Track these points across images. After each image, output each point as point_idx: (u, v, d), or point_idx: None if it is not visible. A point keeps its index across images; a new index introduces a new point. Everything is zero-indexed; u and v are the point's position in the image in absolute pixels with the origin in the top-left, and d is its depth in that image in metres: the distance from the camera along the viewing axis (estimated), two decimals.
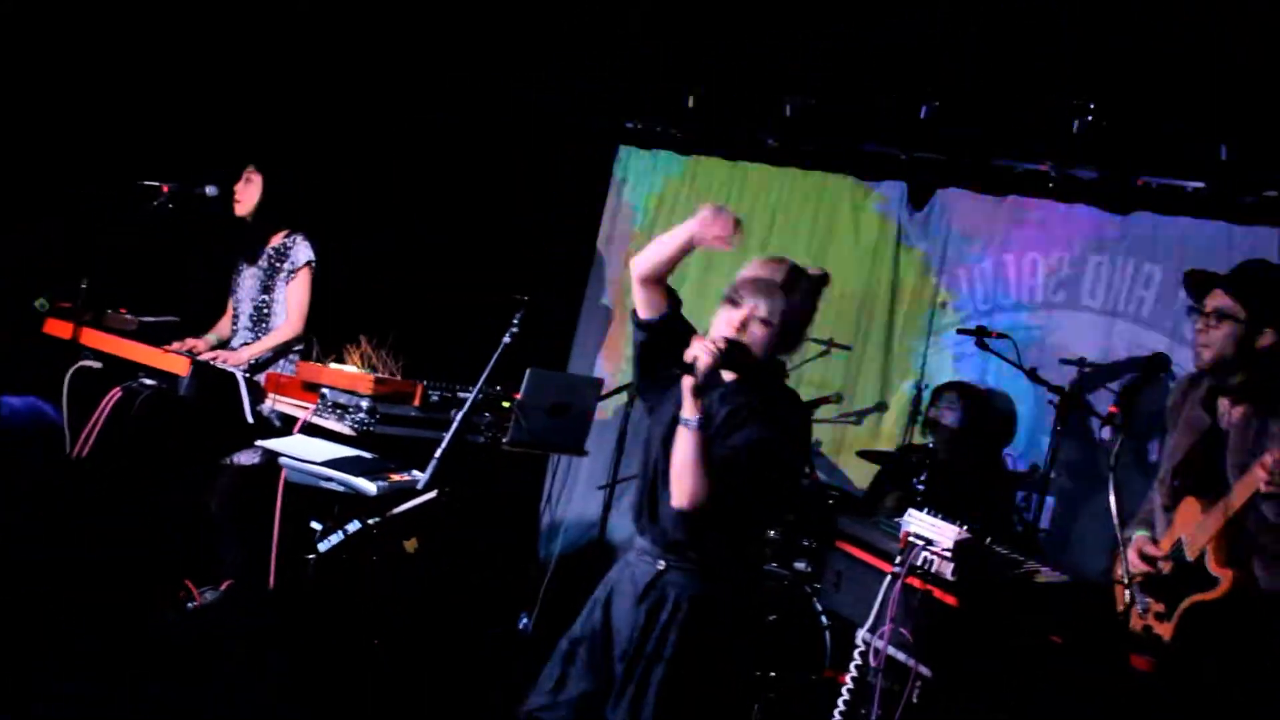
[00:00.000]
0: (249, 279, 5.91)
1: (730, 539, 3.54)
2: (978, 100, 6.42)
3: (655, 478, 3.57)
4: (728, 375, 3.55)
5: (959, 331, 6.43)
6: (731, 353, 3.41)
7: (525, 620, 5.99)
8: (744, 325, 3.48)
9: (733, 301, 3.52)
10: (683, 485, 3.36)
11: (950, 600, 3.81)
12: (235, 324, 5.94)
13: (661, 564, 3.52)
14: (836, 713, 4.03)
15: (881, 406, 6.98)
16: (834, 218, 7.30)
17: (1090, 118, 6.11)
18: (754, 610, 3.68)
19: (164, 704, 4.51)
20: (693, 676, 3.47)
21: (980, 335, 6.11)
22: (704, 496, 3.35)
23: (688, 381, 3.35)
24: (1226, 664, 3.92)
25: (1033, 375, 5.99)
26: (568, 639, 3.68)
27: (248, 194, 5.84)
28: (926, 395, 6.65)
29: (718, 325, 3.51)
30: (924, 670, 3.78)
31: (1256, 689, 3.69)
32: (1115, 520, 4.04)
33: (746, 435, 3.42)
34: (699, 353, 3.35)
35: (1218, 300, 4.12)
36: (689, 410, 3.35)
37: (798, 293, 3.53)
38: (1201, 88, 5.72)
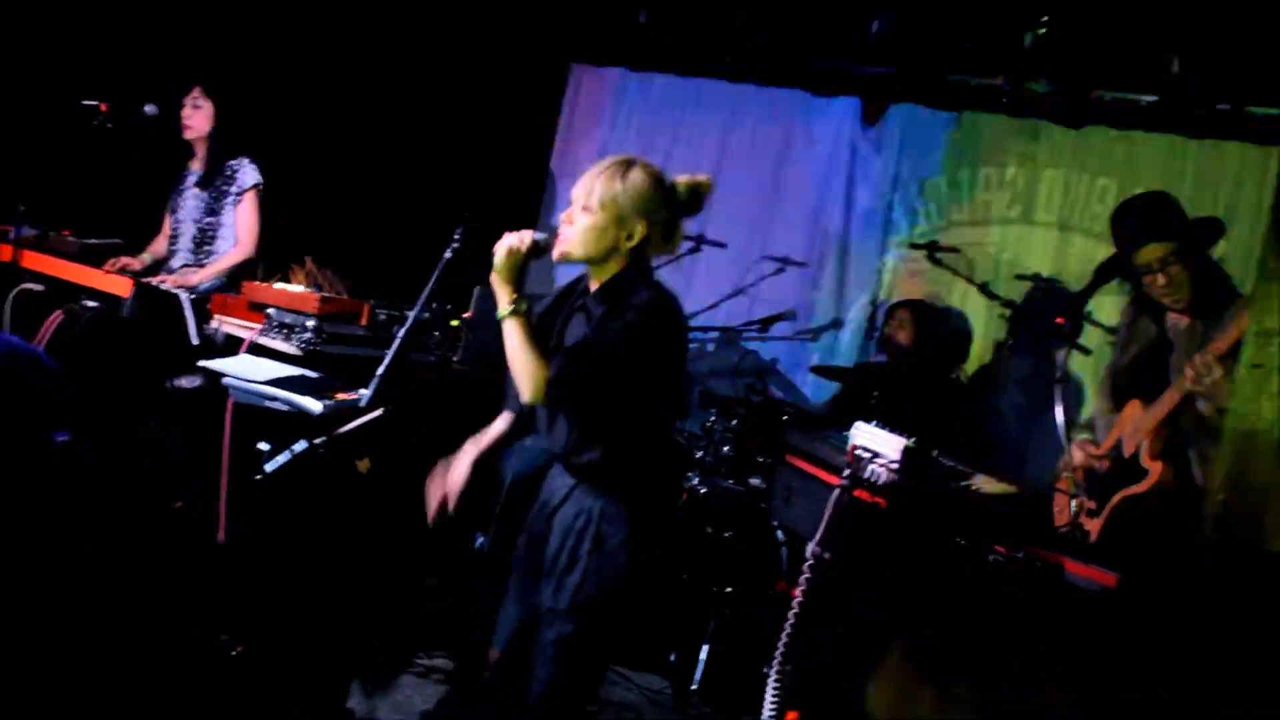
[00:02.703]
0: (192, 199, 5.84)
1: (620, 450, 3.52)
2: (931, 15, 6.38)
3: None
4: (592, 278, 3.58)
5: (911, 246, 6.44)
6: (536, 243, 3.45)
7: (481, 540, 5.98)
8: (570, 217, 3.50)
9: (570, 199, 3.54)
10: (520, 378, 3.38)
11: (879, 501, 3.82)
12: (174, 244, 5.89)
13: (572, 479, 3.53)
14: (787, 626, 4.04)
15: (838, 323, 6.97)
16: (788, 134, 7.26)
17: (1043, 31, 6.07)
18: (661, 522, 3.68)
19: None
20: (599, 587, 3.48)
21: (932, 250, 6.09)
22: (540, 385, 3.34)
23: (493, 274, 3.40)
24: (1147, 554, 3.99)
25: (984, 289, 5.98)
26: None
27: (197, 119, 5.76)
28: (882, 311, 6.67)
29: (560, 222, 3.56)
30: (818, 551, 3.77)
31: (1172, 580, 3.73)
32: (1061, 432, 4.08)
33: (605, 332, 3.41)
34: (498, 245, 3.42)
35: (1155, 252, 4.19)
36: (501, 302, 3.39)
37: (622, 180, 3.47)
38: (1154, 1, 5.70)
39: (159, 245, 5.96)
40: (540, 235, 3.49)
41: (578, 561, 3.48)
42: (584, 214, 3.47)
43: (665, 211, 3.54)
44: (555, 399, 3.40)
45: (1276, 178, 5.75)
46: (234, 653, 4.44)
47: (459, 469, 3.80)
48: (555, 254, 3.50)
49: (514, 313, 3.38)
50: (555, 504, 3.58)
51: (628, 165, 3.51)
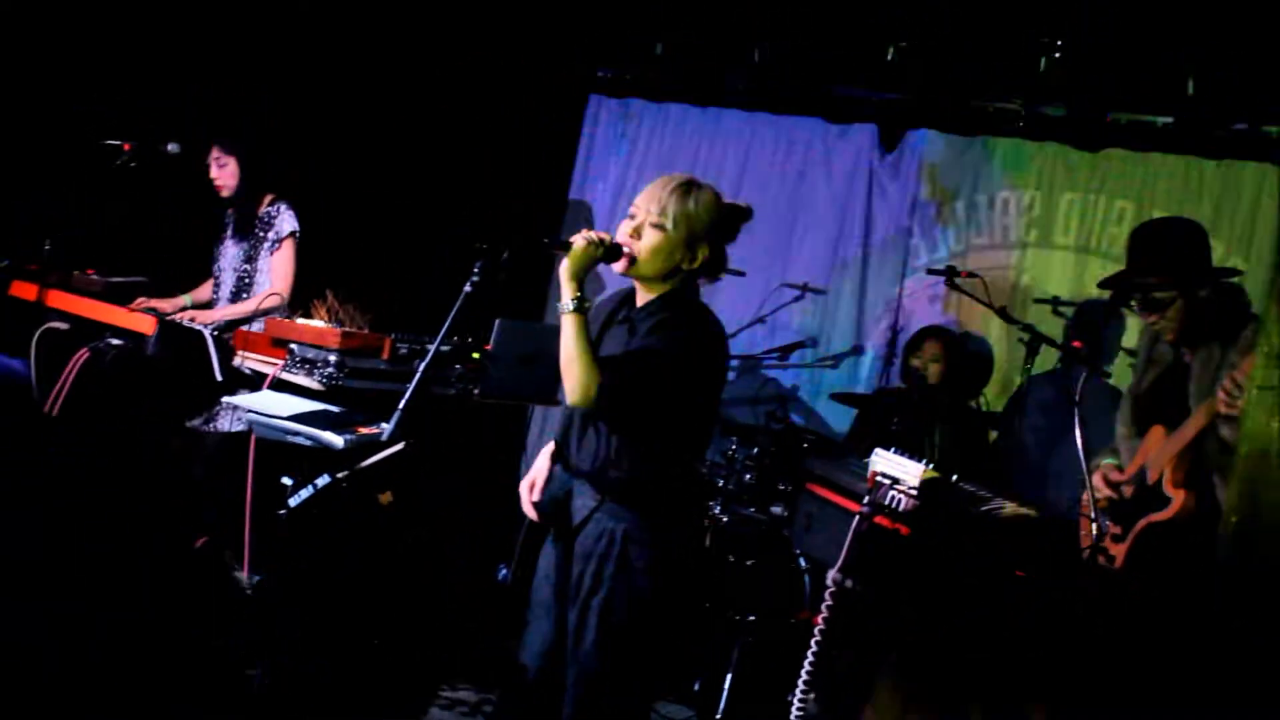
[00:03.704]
0: (231, 248, 5.91)
1: (650, 470, 3.53)
2: (946, 40, 6.40)
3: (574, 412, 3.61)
4: (641, 292, 3.61)
5: (929, 272, 6.43)
6: (610, 247, 3.47)
7: (504, 571, 5.99)
8: (638, 232, 3.51)
9: (630, 214, 3.56)
10: (571, 376, 3.38)
11: (902, 529, 3.83)
12: (217, 292, 5.96)
13: (597, 498, 3.54)
14: (809, 654, 4.04)
15: (858, 350, 6.98)
16: (806, 161, 7.27)
17: (1058, 55, 6.09)
18: (687, 545, 3.70)
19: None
20: (628, 612, 3.50)
21: (950, 275, 6.09)
22: (593, 389, 3.35)
23: (563, 265, 3.42)
24: (1169, 581, 3.98)
25: (1003, 314, 5.98)
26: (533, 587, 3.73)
27: (224, 176, 5.82)
28: (902, 338, 6.68)
29: (617, 236, 3.56)
30: (838, 578, 3.79)
31: (1195, 606, 3.73)
32: (1081, 454, 4.07)
33: (651, 342, 3.44)
34: (576, 238, 3.43)
35: (1151, 284, 4.18)
36: (565, 295, 3.40)
37: (691, 202, 3.51)
38: (1168, 23, 5.70)
39: (203, 291, 6.03)
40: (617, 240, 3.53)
41: (602, 584, 3.49)
42: (654, 231, 3.50)
43: (724, 237, 3.60)
44: (603, 405, 3.40)
45: None
46: (259, 684, 4.46)
47: (539, 461, 3.82)
48: (620, 266, 3.53)
49: (578, 310, 3.39)
50: (576, 526, 3.58)
51: (697, 186, 3.55)
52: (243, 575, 5.11)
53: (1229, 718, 2.71)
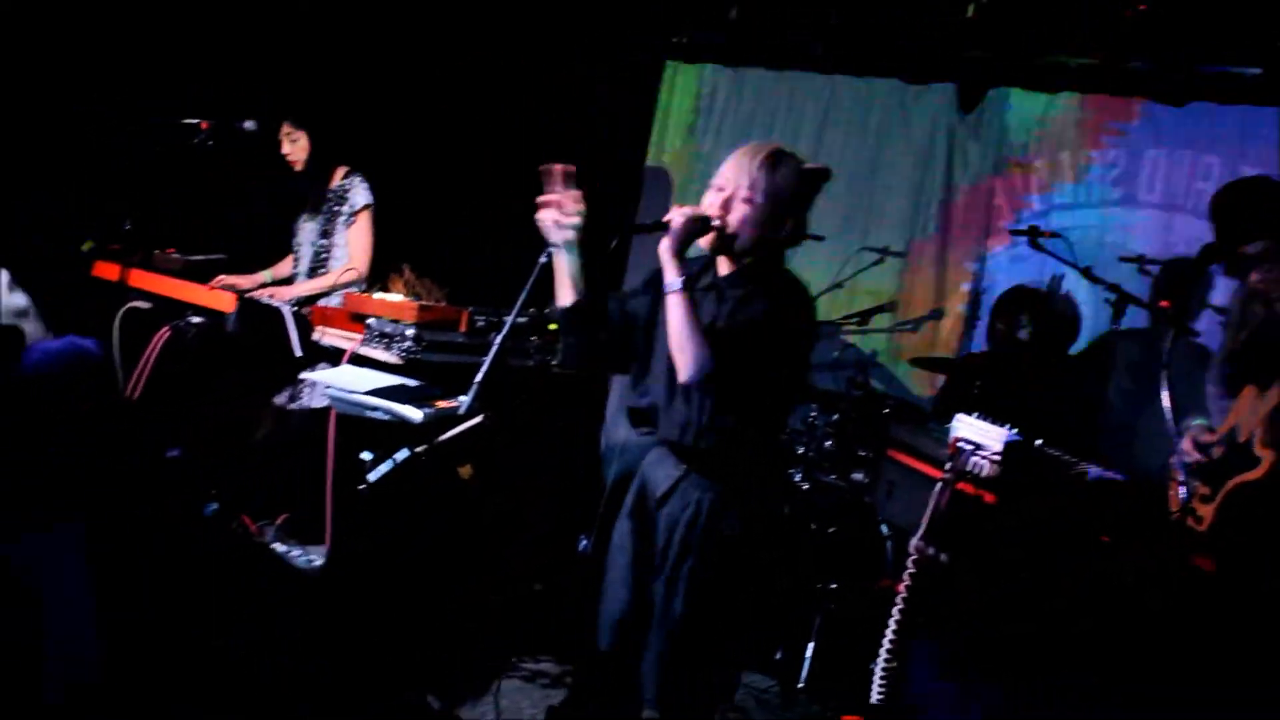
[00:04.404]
0: (308, 224, 5.97)
1: (741, 436, 3.53)
2: None
3: (670, 380, 3.57)
4: (723, 263, 3.62)
5: (1012, 232, 6.33)
6: (706, 221, 3.48)
7: (585, 542, 5.99)
8: (727, 206, 3.51)
9: (717, 188, 3.55)
10: (685, 354, 3.37)
11: (988, 497, 3.78)
12: (296, 268, 6.03)
13: (682, 467, 3.53)
14: (891, 621, 4.00)
15: (938, 313, 6.88)
16: (884, 123, 7.16)
17: (1143, 7, 5.95)
18: (775, 512, 3.70)
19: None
20: (718, 579, 3.50)
21: (1034, 235, 5.97)
22: (708, 364, 3.35)
23: (664, 244, 3.42)
24: (1260, 543, 3.91)
25: (1088, 274, 5.86)
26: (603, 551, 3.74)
27: (295, 151, 5.88)
28: (985, 300, 6.59)
29: (704, 208, 3.55)
30: (921, 545, 3.75)
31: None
32: (1169, 417, 4.00)
33: (747, 311, 3.46)
34: (674, 215, 3.44)
35: (1257, 246, 4.11)
36: (670, 275, 3.41)
37: (779, 173, 3.51)
38: None
39: (283, 267, 6.10)
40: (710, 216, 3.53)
41: (689, 553, 3.49)
42: (744, 204, 3.51)
43: (807, 204, 3.62)
44: (715, 380, 3.39)
45: None
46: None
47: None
48: (708, 240, 3.54)
49: (685, 287, 3.40)
50: (660, 495, 3.57)
51: (783, 156, 3.56)
52: (305, 555, 5.16)
53: None
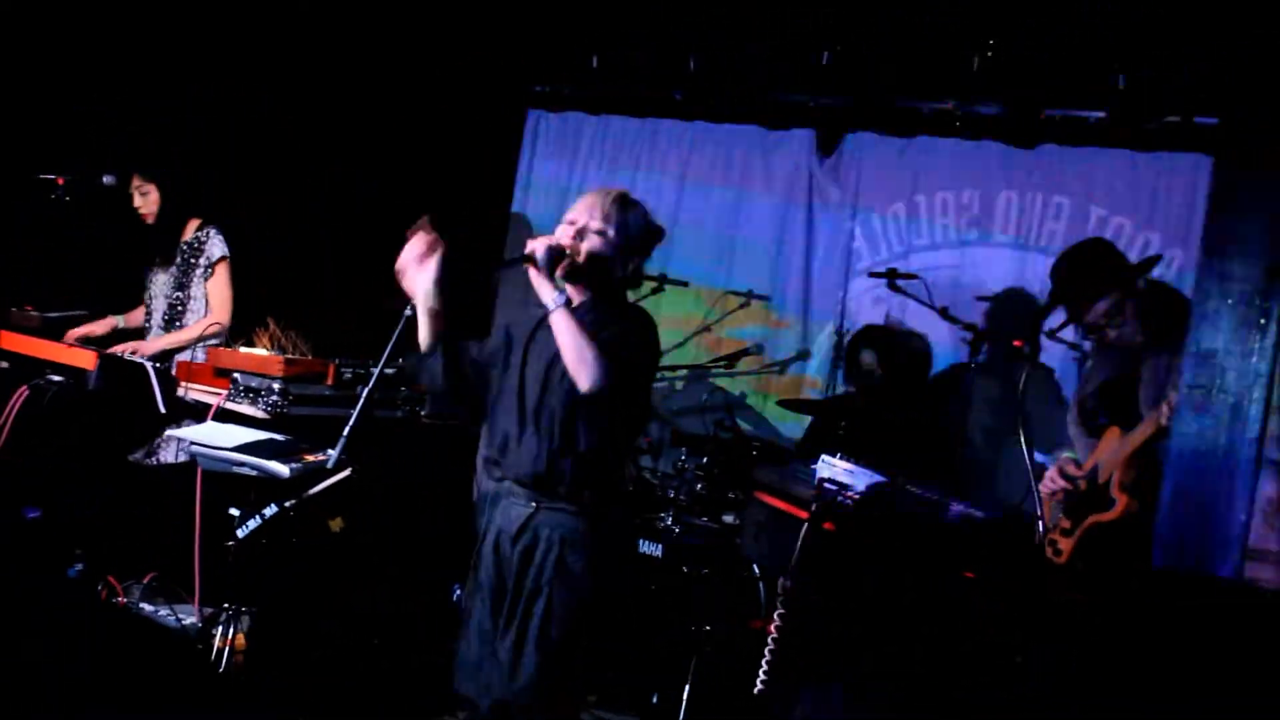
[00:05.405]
0: (160, 275, 5.88)
1: (592, 471, 3.62)
2: (879, 42, 6.42)
3: (521, 414, 3.66)
4: (574, 293, 3.68)
5: (870, 275, 6.47)
6: (562, 250, 3.59)
7: (459, 591, 5.97)
8: (580, 235, 3.64)
9: (569, 221, 3.69)
10: (585, 362, 3.44)
11: (848, 533, 3.87)
12: (148, 320, 5.93)
13: (532, 504, 3.61)
14: (764, 661, 4.05)
15: (804, 354, 6.98)
16: (746, 168, 7.26)
17: (990, 54, 6.13)
18: (625, 542, 3.80)
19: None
20: (570, 611, 3.58)
21: (891, 277, 6.12)
22: (609, 369, 3.44)
23: (534, 272, 3.53)
24: (1111, 579, 4.05)
25: (944, 314, 6.01)
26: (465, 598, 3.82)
27: (147, 204, 5.83)
28: (848, 341, 6.70)
29: (558, 237, 3.67)
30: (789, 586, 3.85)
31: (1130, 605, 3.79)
32: (1024, 450, 4.11)
33: (599, 337, 3.51)
34: (535, 245, 3.56)
35: (1101, 304, 4.32)
36: (548, 295, 3.51)
37: (630, 213, 3.69)
38: (1099, 18, 5.75)
39: (135, 316, 6.01)
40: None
41: (541, 591, 3.56)
42: (596, 236, 3.64)
43: (647, 252, 3.81)
44: (611, 386, 3.46)
45: (1208, 191, 5.77)
46: None
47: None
48: (563, 269, 3.61)
49: (567, 304, 3.51)
50: (513, 533, 3.63)
51: (633, 200, 3.73)
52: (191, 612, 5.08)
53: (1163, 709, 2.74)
